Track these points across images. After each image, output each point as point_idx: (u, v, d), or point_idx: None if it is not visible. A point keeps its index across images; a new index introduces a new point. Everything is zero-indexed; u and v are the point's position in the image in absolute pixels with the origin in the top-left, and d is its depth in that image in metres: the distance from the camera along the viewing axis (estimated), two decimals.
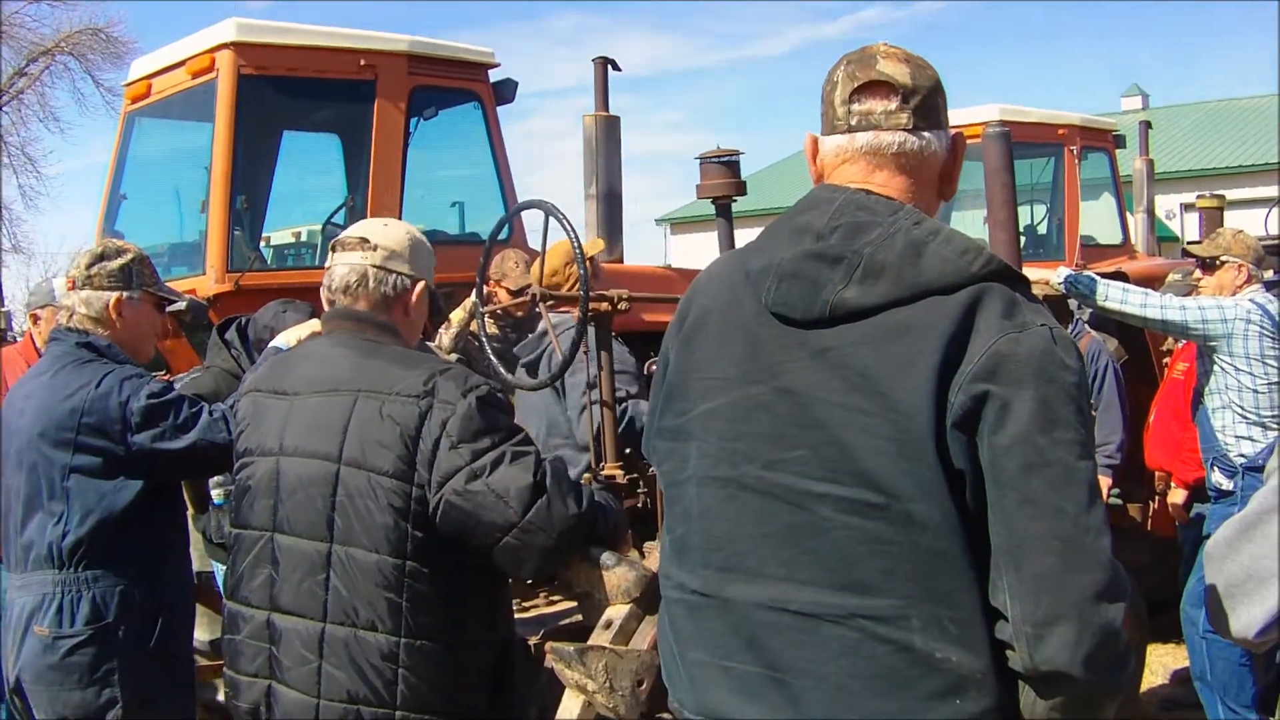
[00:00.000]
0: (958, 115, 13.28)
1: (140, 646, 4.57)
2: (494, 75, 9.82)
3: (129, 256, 4.95)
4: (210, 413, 4.64)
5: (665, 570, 2.80)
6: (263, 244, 9.32)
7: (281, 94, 9.12)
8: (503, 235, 6.90)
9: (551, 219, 4.62)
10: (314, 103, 9.65)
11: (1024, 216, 14.76)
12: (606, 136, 9.54)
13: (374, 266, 3.74)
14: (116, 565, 4.57)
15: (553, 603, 4.64)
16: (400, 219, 9.04)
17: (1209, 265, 7.28)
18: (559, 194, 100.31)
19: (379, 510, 3.40)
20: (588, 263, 4.62)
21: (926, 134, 2.67)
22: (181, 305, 7.89)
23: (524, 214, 8.48)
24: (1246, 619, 2.67)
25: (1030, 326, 2.41)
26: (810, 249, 2.57)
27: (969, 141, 2.85)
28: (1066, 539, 2.31)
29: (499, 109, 9.79)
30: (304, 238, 9.90)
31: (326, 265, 3.87)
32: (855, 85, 2.68)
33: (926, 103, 2.67)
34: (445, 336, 6.91)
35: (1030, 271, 6.71)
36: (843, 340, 2.48)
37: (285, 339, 4.68)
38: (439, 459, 3.40)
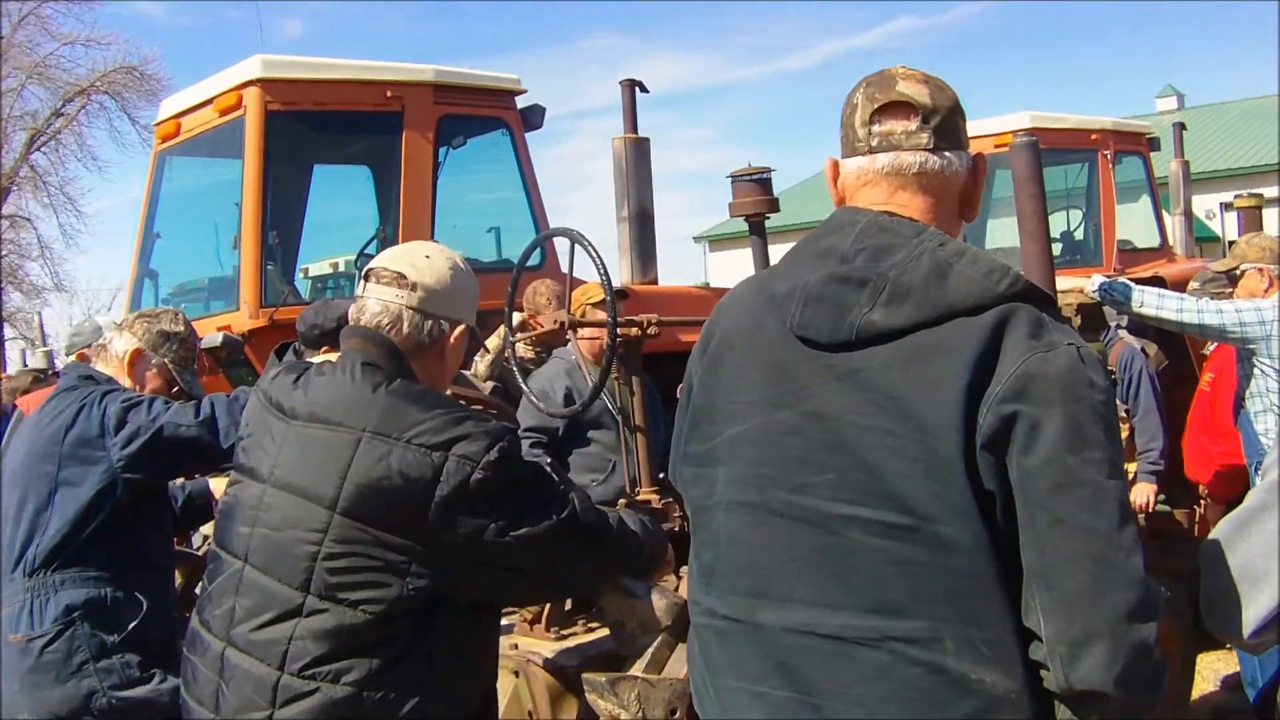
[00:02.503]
0: (990, 124, 13.29)
1: (109, 640, 4.66)
2: (521, 101, 9.85)
3: (175, 329, 5.11)
4: (182, 404, 4.76)
5: (694, 596, 2.78)
6: (299, 276, 9.37)
7: (309, 128, 9.19)
8: (535, 262, 6.88)
9: (577, 246, 4.61)
10: (343, 136, 9.72)
11: (1060, 223, 14.71)
12: (636, 158, 9.55)
13: (409, 309, 3.42)
14: (86, 569, 4.69)
15: (591, 629, 4.61)
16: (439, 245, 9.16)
17: (1234, 278, 7.25)
18: (596, 215, 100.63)
19: (372, 568, 3.14)
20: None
21: (948, 154, 2.66)
22: (215, 341, 7.97)
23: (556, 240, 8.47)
24: (1241, 619, 2.67)
25: (1058, 346, 2.39)
26: (835, 272, 2.55)
27: (999, 151, 2.82)
28: (1099, 558, 2.29)
29: (528, 135, 9.82)
30: (340, 268, 9.95)
31: (357, 294, 3.54)
32: (875, 107, 2.67)
33: (946, 123, 2.67)
34: (481, 364, 6.92)
35: (1065, 280, 6.69)
36: (870, 363, 2.46)
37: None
38: (460, 520, 3.14)
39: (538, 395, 5.43)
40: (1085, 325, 6.59)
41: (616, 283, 10.14)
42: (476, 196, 10.43)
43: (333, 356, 4.13)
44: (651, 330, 4.77)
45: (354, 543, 3.13)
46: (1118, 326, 8.53)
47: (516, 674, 4.33)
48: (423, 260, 3.47)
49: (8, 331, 37.48)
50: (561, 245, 4.93)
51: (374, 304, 3.43)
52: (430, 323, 3.44)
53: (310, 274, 10.00)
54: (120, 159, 78.36)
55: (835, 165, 2.77)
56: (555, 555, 3.28)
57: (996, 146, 13.82)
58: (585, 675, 3.52)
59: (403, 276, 3.42)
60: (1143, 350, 8.62)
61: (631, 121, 9.53)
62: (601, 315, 5.51)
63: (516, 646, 4.45)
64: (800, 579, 2.51)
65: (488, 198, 10.41)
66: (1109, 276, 7.16)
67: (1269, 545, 2.62)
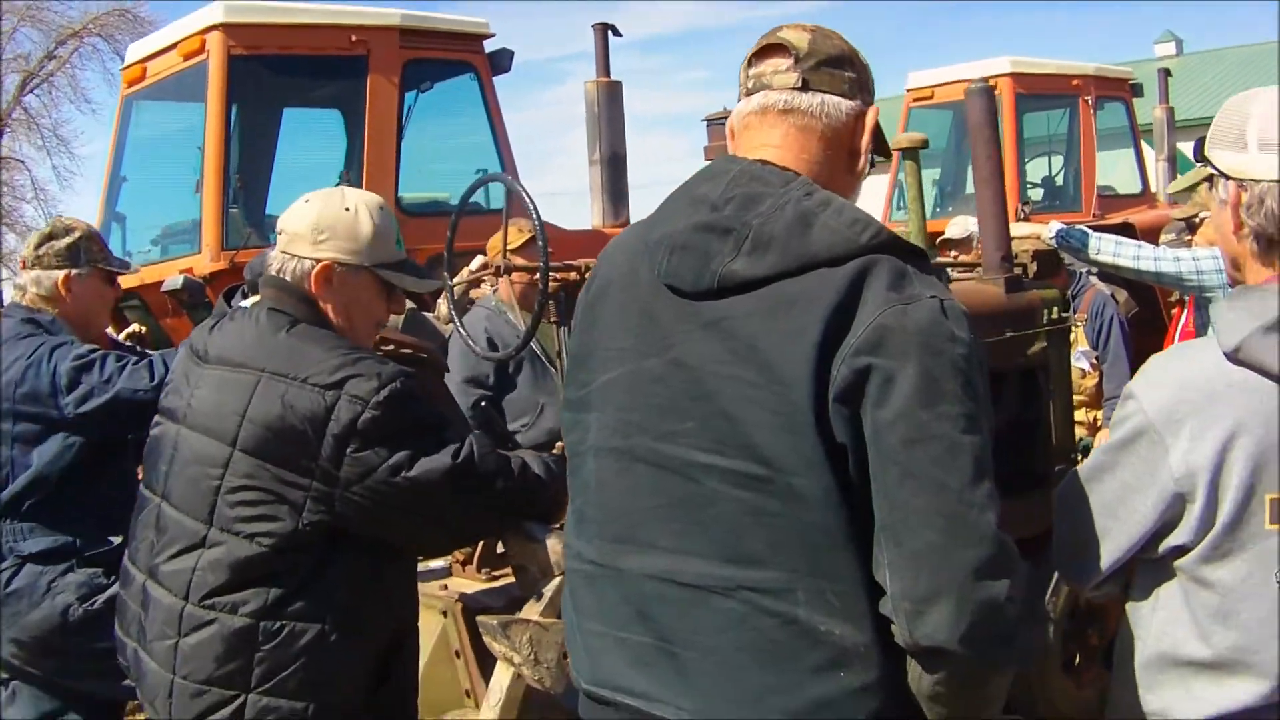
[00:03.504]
0: (970, 69, 13.24)
1: (72, 561, 4.80)
2: (490, 45, 9.81)
3: (76, 234, 5.05)
4: (135, 362, 4.76)
5: (567, 540, 2.78)
6: (268, 221, 9.35)
7: (275, 72, 9.16)
8: (498, 206, 6.84)
9: (512, 192, 4.60)
10: (310, 80, 9.68)
11: (1041, 168, 14.71)
12: (608, 102, 9.53)
13: (281, 252, 3.56)
14: (52, 518, 4.79)
15: None
16: (396, 189, 9.16)
17: (1193, 225, 7.19)
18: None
19: (268, 501, 3.27)
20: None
21: (824, 96, 2.63)
22: (176, 284, 7.96)
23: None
24: (1083, 571, 2.74)
25: (919, 299, 2.35)
26: (702, 220, 2.53)
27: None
28: (948, 514, 2.26)
29: (496, 78, 9.79)
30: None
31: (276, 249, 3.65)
32: (754, 51, 2.68)
33: (825, 67, 2.64)
34: (443, 305, 6.90)
35: (1021, 227, 6.67)
36: (731, 312, 2.43)
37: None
38: (348, 458, 3.25)
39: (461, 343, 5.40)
40: (1041, 272, 6.56)
41: (590, 225, 10.14)
42: (444, 140, 10.38)
43: None
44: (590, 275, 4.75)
45: (252, 478, 3.26)
46: (1088, 273, 8.50)
47: (444, 614, 4.34)
48: (301, 206, 3.58)
49: (3, 272, 37.40)
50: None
51: (288, 260, 3.54)
52: (294, 262, 3.52)
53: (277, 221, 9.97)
54: (113, 102, 77.81)
55: (731, 122, 2.76)
56: (449, 498, 3.32)
57: None
58: (479, 618, 3.52)
59: (316, 232, 3.51)
60: (1113, 297, 8.59)
61: (604, 65, 9.50)
62: (521, 260, 5.51)
63: (446, 587, 4.46)
64: (662, 526, 2.50)
65: (455, 142, 10.37)
66: (1087, 223, 7.13)
67: (1106, 504, 2.65)
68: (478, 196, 10.11)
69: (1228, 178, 2.63)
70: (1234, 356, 2.49)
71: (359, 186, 8.70)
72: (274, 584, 3.26)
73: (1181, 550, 2.57)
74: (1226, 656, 2.56)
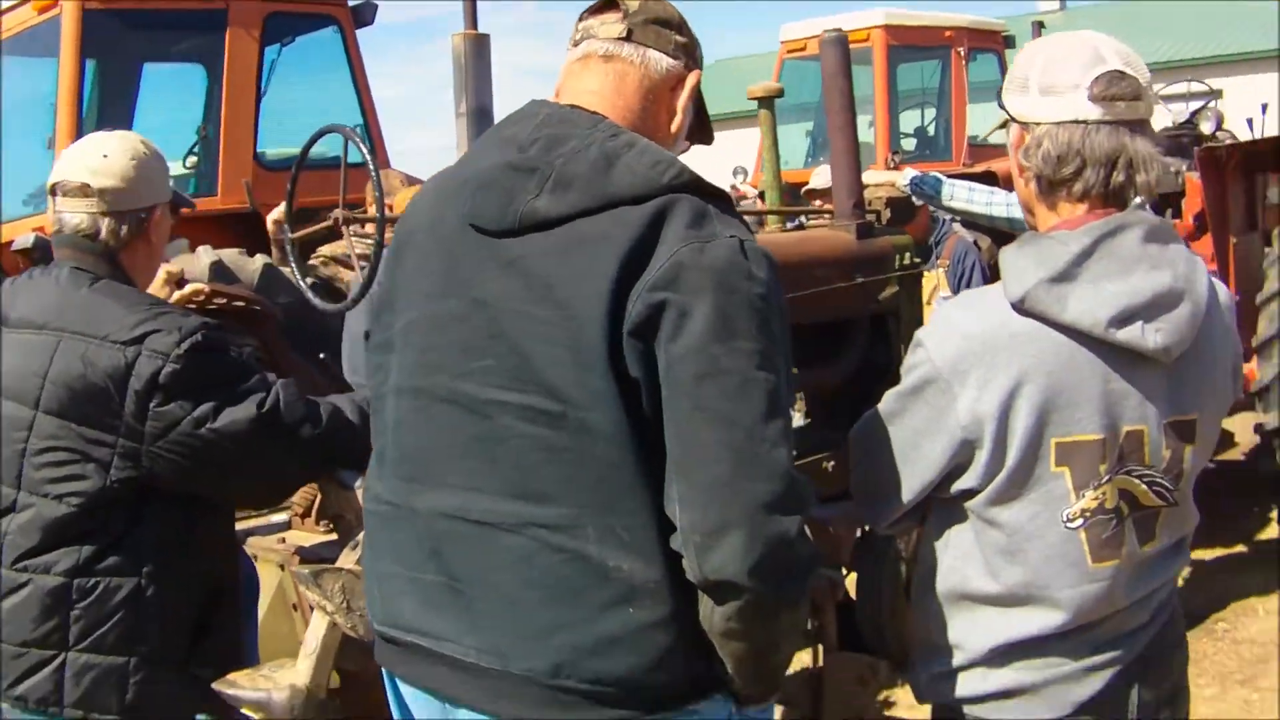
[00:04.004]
0: (846, 19, 13.31)
1: None
2: None
3: None
4: None
5: (367, 483, 2.78)
6: None
7: (132, 26, 9.01)
8: (354, 160, 6.79)
9: (350, 142, 4.56)
10: (170, 34, 9.53)
11: (914, 119, 14.84)
12: (476, 55, 9.45)
13: (103, 214, 3.45)
14: None
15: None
16: (256, 144, 9.05)
17: None
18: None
19: (74, 461, 3.27)
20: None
21: (648, 51, 2.66)
22: (27, 242, 7.82)
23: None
24: (878, 510, 2.83)
25: (717, 237, 2.37)
26: (508, 160, 2.53)
27: (856, 46, 2.82)
28: (738, 448, 2.28)
29: (359, 31, 9.69)
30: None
31: (53, 210, 3.57)
32: (588, 9, 2.71)
33: (653, 25, 2.67)
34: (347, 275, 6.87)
35: (876, 174, 6.71)
36: (530, 250, 2.44)
37: None
38: (152, 413, 3.24)
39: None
40: (895, 218, 6.60)
41: None
42: (307, 95, 10.26)
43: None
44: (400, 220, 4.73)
45: (56, 438, 3.26)
46: (951, 220, 8.57)
47: (282, 567, 4.31)
48: (100, 162, 3.48)
49: None
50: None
51: (71, 218, 3.48)
52: (127, 222, 3.48)
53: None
54: None
55: None
56: (256, 448, 3.30)
57: (852, 42, 13.89)
58: (292, 568, 3.51)
59: (86, 186, 3.45)
60: (975, 244, 8.68)
61: (472, 19, 9.43)
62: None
63: (284, 540, 4.42)
64: (455, 464, 2.50)
65: (318, 96, 10.25)
66: (954, 172, 7.18)
67: (900, 449, 2.70)
68: (334, 150, 10.08)
69: (1014, 120, 2.66)
70: (1020, 306, 2.55)
71: (217, 141, 8.62)
72: (86, 542, 3.26)
73: (971, 493, 2.63)
74: (1014, 591, 2.63)
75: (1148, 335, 2.51)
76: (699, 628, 2.39)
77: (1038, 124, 2.60)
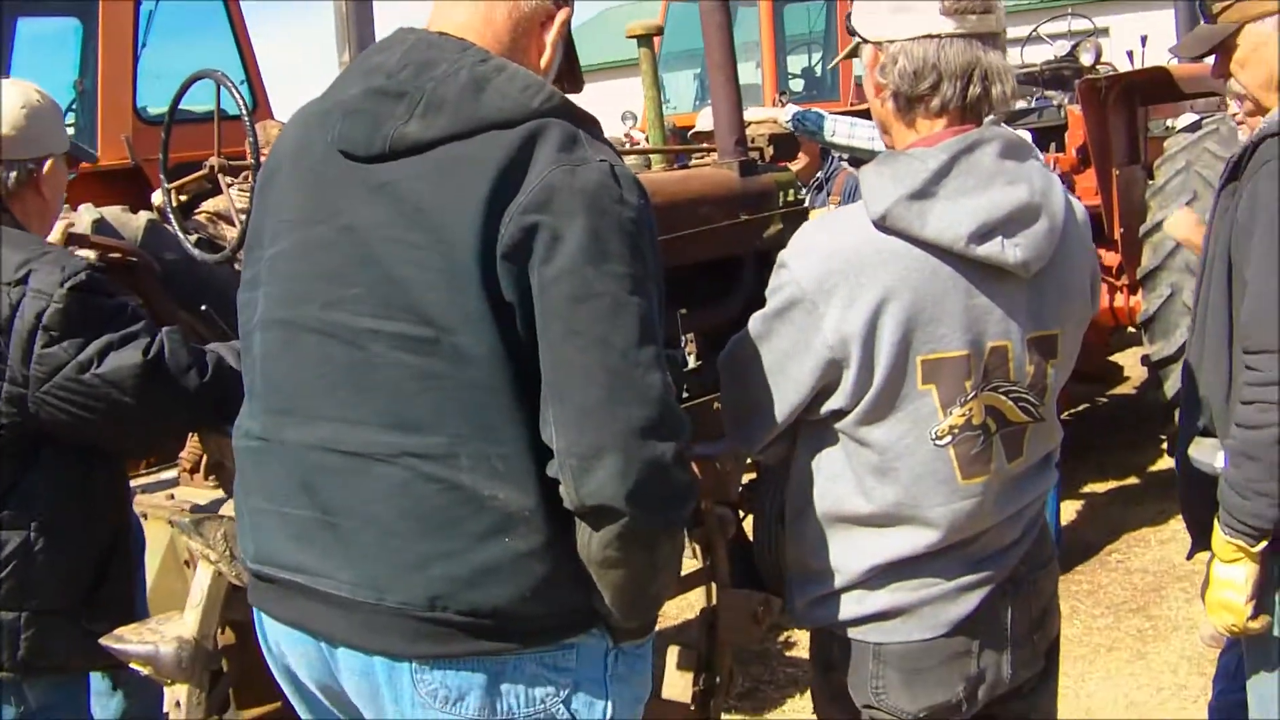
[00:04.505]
0: None
1: None
2: None
3: None
4: None
5: (238, 419, 2.73)
6: None
7: None
8: (235, 111, 6.69)
9: (223, 88, 4.51)
10: None
11: (802, 61, 14.89)
12: (357, 16, 9.36)
13: None
14: None
15: None
16: (134, 98, 8.92)
17: None
18: None
19: None
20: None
21: None
22: None
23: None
24: (749, 435, 2.85)
25: (588, 161, 2.37)
26: (375, 85, 2.50)
27: None
28: (613, 370, 2.29)
29: None
30: None
31: None
32: None
33: None
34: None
35: (758, 111, 6.73)
36: (401, 174, 2.41)
37: None
38: (35, 354, 3.22)
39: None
40: (778, 154, 6.62)
41: None
42: (187, 49, 10.10)
43: None
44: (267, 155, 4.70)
45: None
46: (839, 157, 8.61)
47: (171, 523, 4.27)
48: (39, 107, 3.48)
49: None
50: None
51: None
52: (15, 169, 3.43)
53: None
54: None
55: None
56: (143, 395, 3.26)
57: None
58: (172, 518, 3.48)
59: None
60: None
61: None
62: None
63: (173, 496, 4.38)
64: (326, 396, 2.47)
65: (199, 50, 10.09)
66: (841, 110, 7.18)
67: (768, 372, 2.71)
68: (223, 104, 9.97)
69: (867, 41, 2.68)
70: (881, 224, 2.56)
71: (94, 94, 8.48)
72: None
73: (841, 413, 2.65)
74: (887, 510, 2.67)
75: (1007, 250, 2.54)
76: (577, 559, 2.40)
77: (891, 41, 2.62)
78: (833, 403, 2.64)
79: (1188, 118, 8.63)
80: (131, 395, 3.24)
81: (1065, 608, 6.68)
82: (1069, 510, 8.26)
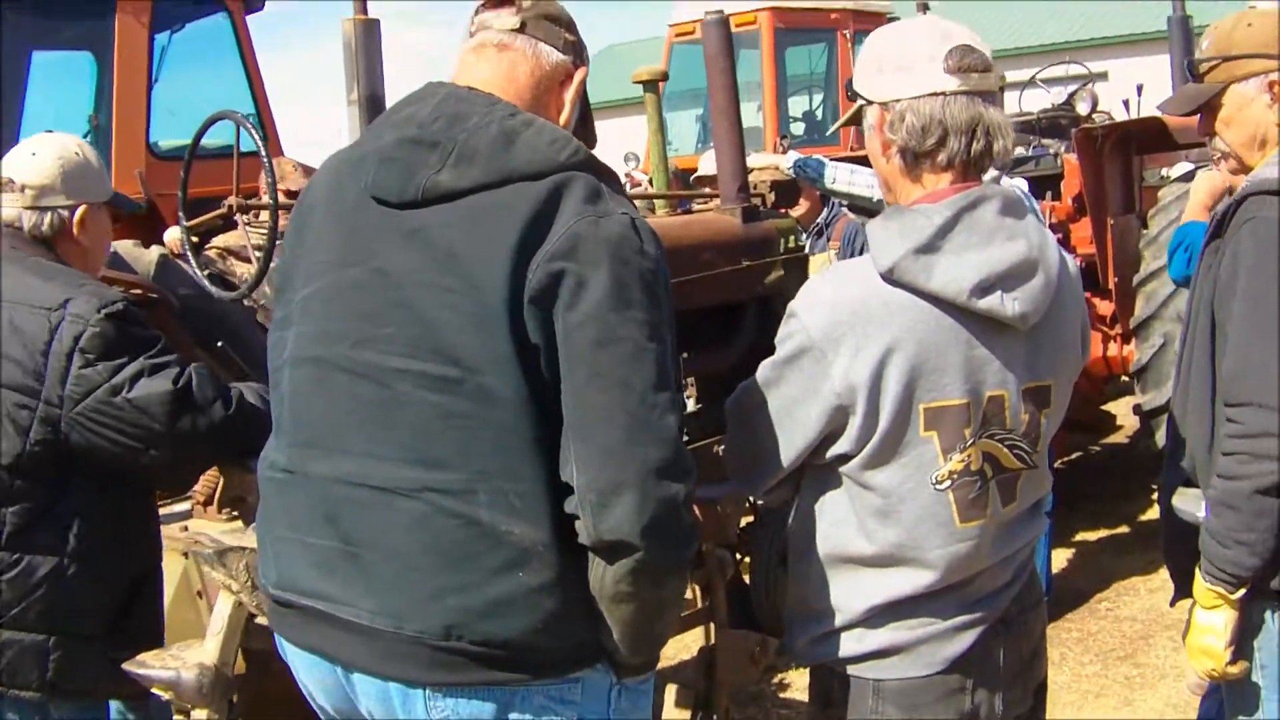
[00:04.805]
0: (732, 4, 13.40)
1: None
2: None
3: None
4: None
5: (264, 453, 2.86)
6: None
7: (18, 13, 8.87)
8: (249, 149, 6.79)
9: (241, 129, 4.63)
10: (57, 21, 9.38)
11: (803, 104, 15.00)
12: (366, 40, 9.43)
13: (26, 208, 3.70)
14: None
15: None
16: (148, 132, 9.01)
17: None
18: None
19: None
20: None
21: (540, 44, 2.78)
22: None
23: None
24: (754, 478, 2.98)
25: (612, 214, 2.51)
26: (409, 135, 2.64)
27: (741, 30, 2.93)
28: (632, 413, 2.41)
29: (250, 18, 9.67)
30: None
31: None
32: (483, 3, 2.83)
33: (545, 20, 2.79)
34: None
35: (760, 157, 6.83)
36: (433, 221, 2.55)
37: None
38: (71, 376, 3.40)
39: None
40: (780, 201, 6.73)
41: None
42: (199, 83, 10.20)
43: None
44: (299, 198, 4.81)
45: None
46: (841, 204, 8.72)
47: (186, 555, 4.36)
48: (28, 159, 3.73)
49: None
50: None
51: (1, 211, 3.72)
52: (49, 215, 3.71)
53: None
54: None
55: None
56: (170, 424, 3.43)
57: (738, 26, 14.01)
58: (193, 550, 3.59)
59: (11, 181, 3.69)
60: (864, 226, 8.80)
61: (361, 3, 9.42)
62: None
63: (187, 528, 4.48)
64: (354, 432, 2.59)
65: (210, 83, 10.20)
66: (840, 156, 7.28)
67: (775, 418, 2.82)
68: (229, 138, 10.06)
69: (871, 102, 2.81)
70: (888, 277, 2.69)
71: (109, 130, 8.58)
72: (11, 512, 3.43)
73: (845, 457, 2.77)
74: (888, 551, 2.78)
75: (1006, 303, 2.67)
76: (585, 595, 2.51)
77: (897, 100, 2.75)
78: (838, 447, 2.75)
79: (1182, 167, 8.69)
80: (160, 422, 3.41)
81: (1054, 654, 6.79)
82: (1060, 558, 8.32)
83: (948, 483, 2.73)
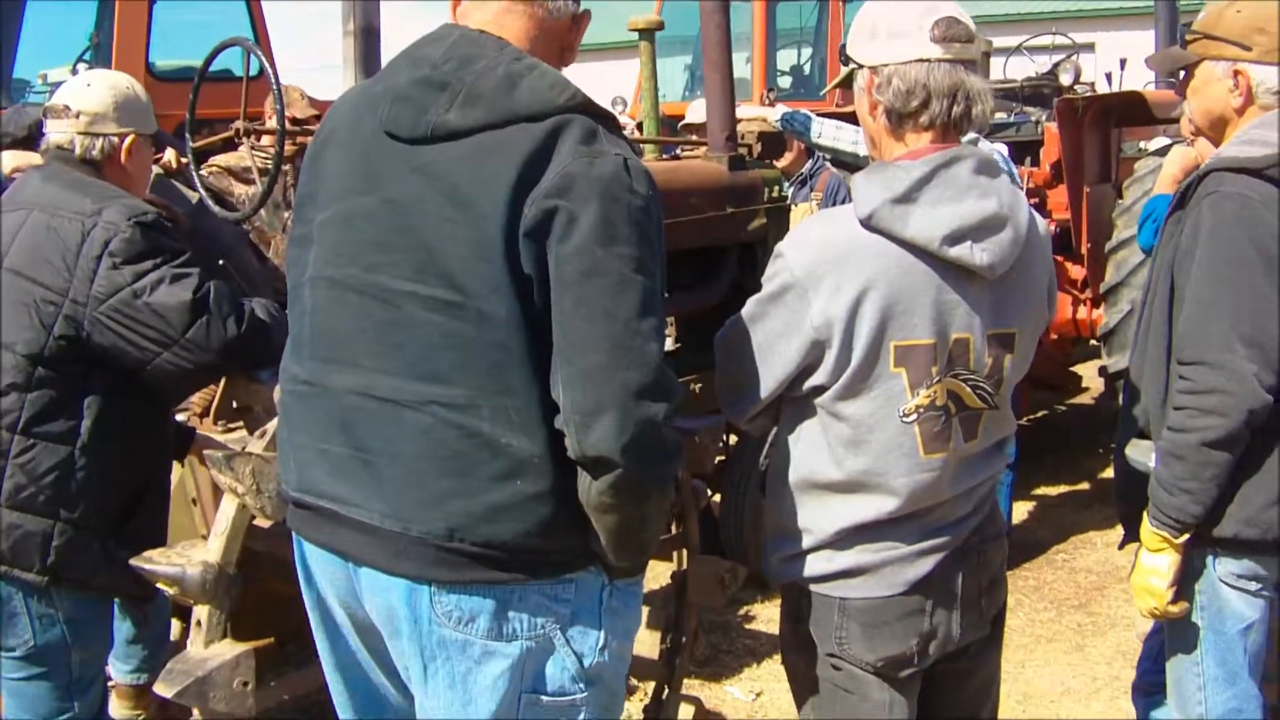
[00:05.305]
0: None
1: None
2: None
3: None
4: None
5: (284, 365, 3.05)
6: (38, 81, 9.26)
7: None
8: (254, 72, 6.88)
9: (251, 55, 4.77)
10: None
11: (791, 58, 15.08)
12: None
13: (80, 134, 3.99)
14: None
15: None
16: (147, 54, 9.13)
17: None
18: None
19: (26, 313, 3.69)
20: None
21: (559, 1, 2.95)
22: None
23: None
24: (739, 407, 3.16)
25: (605, 154, 2.69)
26: (422, 75, 2.82)
27: None
28: (614, 339, 2.60)
29: None
30: (51, 79, 9.77)
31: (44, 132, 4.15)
32: None
33: None
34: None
35: (749, 109, 6.97)
36: (440, 157, 2.73)
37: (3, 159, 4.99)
38: (99, 276, 3.65)
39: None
40: (766, 152, 6.89)
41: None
42: (198, 6, 10.29)
43: (24, 160, 4.46)
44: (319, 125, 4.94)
45: (11, 289, 3.72)
46: (824, 157, 8.85)
47: (181, 463, 4.54)
48: (84, 90, 4.05)
49: None
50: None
51: (53, 135, 4.07)
52: (100, 140, 4.03)
53: (49, 80, 9.81)
54: None
55: None
56: (186, 330, 3.68)
57: None
58: (205, 452, 3.76)
59: (68, 107, 4.02)
60: (846, 179, 8.95)
61: None
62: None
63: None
64: (365, 348, 2.78)
65: (210, 8, 10.29)
66: (827, 112, 7.41)
67: (759, 350, 3.03)
68: (231, 64, 10.14)
69: (862, 65, 3.01)
70: (867, 223, 2.91)
71: (109, 49, 8.69)
72: (29, 398, 3.69)
73: (820, 389, 2.98)
74: (856, 478, 2.99)
75: (975, 253, 2.88)
76: (577, 503, 2.72)
77: (885, 65, 2.96)
78: (814, 380, 2.96)
79: (1159, 141, 8.86)
80: (174, 328, 3.66)
81: (1011, 600, 6.92)
82: (1021, 510, 8.58)
83: (914, 416, 2.94)
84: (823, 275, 2.89)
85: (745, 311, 3.08)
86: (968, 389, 2.99)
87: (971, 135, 3.07)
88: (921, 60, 2.92)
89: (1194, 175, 3.50)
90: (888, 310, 2.88)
